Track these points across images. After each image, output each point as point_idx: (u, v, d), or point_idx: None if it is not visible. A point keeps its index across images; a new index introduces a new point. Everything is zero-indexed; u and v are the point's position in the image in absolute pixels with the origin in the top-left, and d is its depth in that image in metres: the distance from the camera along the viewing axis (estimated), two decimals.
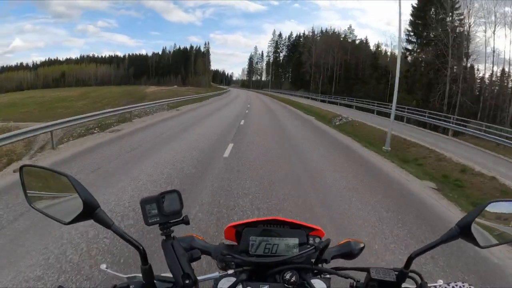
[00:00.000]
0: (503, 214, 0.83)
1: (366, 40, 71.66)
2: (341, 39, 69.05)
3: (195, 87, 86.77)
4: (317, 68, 66.79)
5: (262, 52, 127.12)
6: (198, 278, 0.81)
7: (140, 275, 0.79)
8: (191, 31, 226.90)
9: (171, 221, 0.78)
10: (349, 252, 0.95)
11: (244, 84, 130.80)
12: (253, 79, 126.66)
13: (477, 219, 0.78)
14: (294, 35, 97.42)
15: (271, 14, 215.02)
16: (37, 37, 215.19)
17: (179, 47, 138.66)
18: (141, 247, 0.75)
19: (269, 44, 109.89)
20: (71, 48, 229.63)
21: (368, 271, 0.82)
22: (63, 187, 0.76)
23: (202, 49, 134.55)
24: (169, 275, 0.78)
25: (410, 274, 0.81)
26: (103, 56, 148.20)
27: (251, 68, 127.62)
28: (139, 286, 0.78)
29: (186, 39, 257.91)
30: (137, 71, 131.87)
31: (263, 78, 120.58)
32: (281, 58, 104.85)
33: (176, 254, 0.77)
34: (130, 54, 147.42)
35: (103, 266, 0.87)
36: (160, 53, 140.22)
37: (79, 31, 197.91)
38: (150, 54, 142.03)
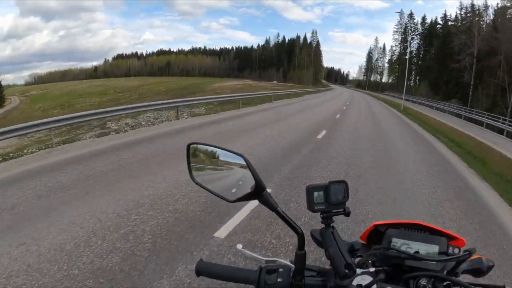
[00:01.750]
0: None
1: None
2: None
3: (296, 84, 79.32)
4: (483, 65, 39.59)
5: (384, 45, 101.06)
6: None
7: (279, 260, 0.83)
8: (310, 29, 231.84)
9: (334, 211, 0.77)
10: (478, 268, 0.89)
11: (360, 84, 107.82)
12: (372, 78, 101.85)
13: None
14: (428, 20, 68.99)
15: (393, 11, 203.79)
16: (165, 31, 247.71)
17: (284, 38, 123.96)
18: (300, 231, 0.76)
19: (395, 30, 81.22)
20: (196, 42, 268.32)
21: None
22: (225, 165, 0.81)
23: (309, 39, 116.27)
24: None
25: None
26: (214, 49, 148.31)
27: (369, 65, 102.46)
28: (288, 271, 0.78)
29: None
30: (242, 63, 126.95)
31: (384, 79, 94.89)
32: (413, 49, 77.15)
33: (337, 243, 0.75)
34: (238, 46, 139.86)
35: (239, 246, 0.90)
36: (264, 44, 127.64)
37: (203, 27, 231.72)
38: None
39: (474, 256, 0.87)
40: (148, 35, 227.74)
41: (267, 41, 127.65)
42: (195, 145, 0.88)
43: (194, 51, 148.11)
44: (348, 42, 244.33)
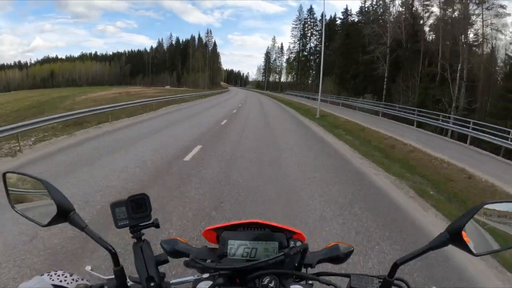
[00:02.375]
0: (499, 217, 0.75)
1: None
2: None
3: (190, 88, 76.31)
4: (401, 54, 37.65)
5: (282, 45, 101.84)
6: (174, 281, 0.84)
7: (102, 276, 0.83)
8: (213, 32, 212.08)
9: (141, 224, 0.79)
10: (335, 256, 0.89)
11: (260, 85, 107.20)
12: (271, 79, 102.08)
13: (469, 223, 0.71)
14: (328, 16, 68.89)
15: (289, 15, 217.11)
16: (57, 36, 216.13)
17: (178, 39, 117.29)
18: (113, 250, 0.77)
19: (293, 26, 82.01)
20: (90, 48, 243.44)
21: (350, 279, 0.79)
22: (42, 191, 0.81)
23: (204, 40, 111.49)
24: None
25: (395, 282, 0.77)
26: (106, 54, 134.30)
27: (268, 65, 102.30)
28: (113, 287, 0.79)
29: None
30: (134, 68, 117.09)
31: (283, 78, 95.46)
32: (312, 44, 77.32)
33: (143, 257, 0.77)
34: (130, 50, 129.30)
35: (88, 268, 0.91)
36: (157, 47, 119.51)
37: (98, 31, 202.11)
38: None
39: (331, 244, 0.91)
40: (39, 41, 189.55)
41: (160, 43, 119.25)
42: (13, 174, 0.88)
43: (84, 57, 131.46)
44: (247, 44, 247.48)
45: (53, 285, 0.73)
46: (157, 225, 0.79)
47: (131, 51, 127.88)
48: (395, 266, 0.76)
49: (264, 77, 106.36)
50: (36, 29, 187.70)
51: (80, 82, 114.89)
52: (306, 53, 78.49)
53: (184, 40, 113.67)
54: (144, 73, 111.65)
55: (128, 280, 0.80)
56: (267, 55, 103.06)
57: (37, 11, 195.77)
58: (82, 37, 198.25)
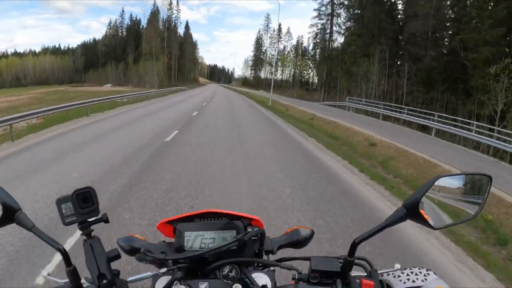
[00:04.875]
0: (453, 190, 0.78)
1: None
2: None
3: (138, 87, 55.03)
4: None
5: (288, 28, 77.15)
6: (131, 278, 0.81)
7: (55, 280, 0.80)
8: (197, 29, 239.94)
9: (90, 220, 0.75)
10: (296, 240, 0.89)
11: (248, 82, 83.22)
12: (263, 75, 77.41)
13: (425, 197, 0.72)
14: None
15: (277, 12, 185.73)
16: (40, 32, 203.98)
17: (132, 17, 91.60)
18: (63, 249, 0.73)
19: (317, 8, 54.78)
20: (73, 44, 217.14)
21: (310, 262, 0.79)
22: None
23: (164, 14, 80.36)
24: None
25: (356, 261, 0.77)
26: (69, 47, 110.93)
27: (259, 54, 77.25)
28: None
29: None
30: (88, 61, 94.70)
31: (278, 75, 70.32)
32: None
33: (94, 254, 0.75)
34: (86, 41, 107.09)
35: (45, 273, 0.85)
36: (108, 32, 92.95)
37: (82, 26, 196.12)
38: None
39: (291, 229, 0.91)
40: (21, 37, 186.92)
41: (113, 26, 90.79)
42: None
43: (47, 52, 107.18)
44: (232, 41, 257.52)
45: None
46: (106, 220, 0.76)
47: (86, 41, 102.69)
48: (354, 245, 0.75)
49: (253, 71, 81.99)
50: (19, 25, 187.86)
51: (26, 81, 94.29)
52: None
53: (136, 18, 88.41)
54: (96, 66, 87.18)
55: (83, 280, 0.75)
56: (258, 41, 77.91)
57: (21, 6, 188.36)
58: (66, 33, 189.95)
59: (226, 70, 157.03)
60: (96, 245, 0.75)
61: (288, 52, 67.49)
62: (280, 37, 70.36)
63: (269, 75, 73.54)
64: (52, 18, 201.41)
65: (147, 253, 0.78)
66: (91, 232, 0.75)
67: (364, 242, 0.78)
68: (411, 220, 0.71)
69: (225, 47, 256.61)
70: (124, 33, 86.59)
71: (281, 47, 69.52)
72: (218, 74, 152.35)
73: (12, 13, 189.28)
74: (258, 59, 77.64)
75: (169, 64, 73.87)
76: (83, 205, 0.73)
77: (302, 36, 76.59)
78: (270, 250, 0.86)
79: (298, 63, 60.91)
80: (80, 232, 0.75)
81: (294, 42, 64.94)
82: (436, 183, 0.73)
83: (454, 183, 0.77)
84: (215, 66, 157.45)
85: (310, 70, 58.72)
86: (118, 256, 0.78)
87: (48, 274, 0.83)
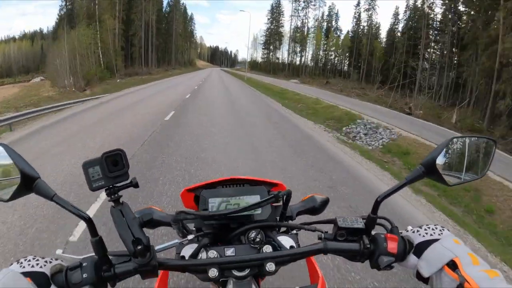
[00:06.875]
0: (463, 151, 0.82)
1: None
2: None
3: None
4: None
5: None
6: (159, 246, 0.77)
7: (75, 257, 0.73)
8: (199, 12, 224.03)
9: (118, 185, 0.69)
10: (312, 207, 0.94)
11: (257, 66, 64.14)
12: (278, 57, 57.26)
13: (440, 157, 0.76)
14: None
15: None
16: (40, 19, 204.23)
17: None
18: (87, 217, 0.69)
19: None
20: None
21: (335, 222, 0.80)
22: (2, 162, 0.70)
23: None
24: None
25: (378, 220, 0.79)
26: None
27: (276, 26, 56.40)
28: (92, 262, 0.70)
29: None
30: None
31: (309, 57, 50.56)
32: None
33: (126, 220, 0.69)
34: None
35: (59, 251, 0.78)
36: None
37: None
38: None
39: (307, 196, 0.95)
40: (20, 24, 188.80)
41: None
42: None
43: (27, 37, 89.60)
44: (235, 23, 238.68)
45: (23, 272, 0.63)
46: (135, 185, 0.71)
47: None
48: (376, 203, 0.77)
49: (266, 53, 61.94)
50: (18, 12, 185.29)
51: None
52: None
53: None
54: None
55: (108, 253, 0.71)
56: (274, 10, 56.21)
57: None
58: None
59: (229, 52, 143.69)
60: (126, 210, 0.69)
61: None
62: (308, 3, 49.94)
63: (291, 56, 53.50)
64: (49, 4, 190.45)
65: (187, 211, 0.78)
66: (119, 198, 0.70)
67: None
68: (429, 177, 0.74)
69: (228, 29, 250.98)
70: None
71: (312, 15, 49.09)
72: (220, 57, 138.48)
73: (12, 1, 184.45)
74: (275, 34, 57.62)
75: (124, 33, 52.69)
76: (112, 168, 0.67)
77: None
78: (289, 216, 0.88)
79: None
80: (106, 198, 0.70)
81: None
82: (449, 145, 0.77)
83: (464, 144, 0.82)
84: (217, 48, 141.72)
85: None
86: (151, 221, 0.78)
87: (63, 252, 0.76)
